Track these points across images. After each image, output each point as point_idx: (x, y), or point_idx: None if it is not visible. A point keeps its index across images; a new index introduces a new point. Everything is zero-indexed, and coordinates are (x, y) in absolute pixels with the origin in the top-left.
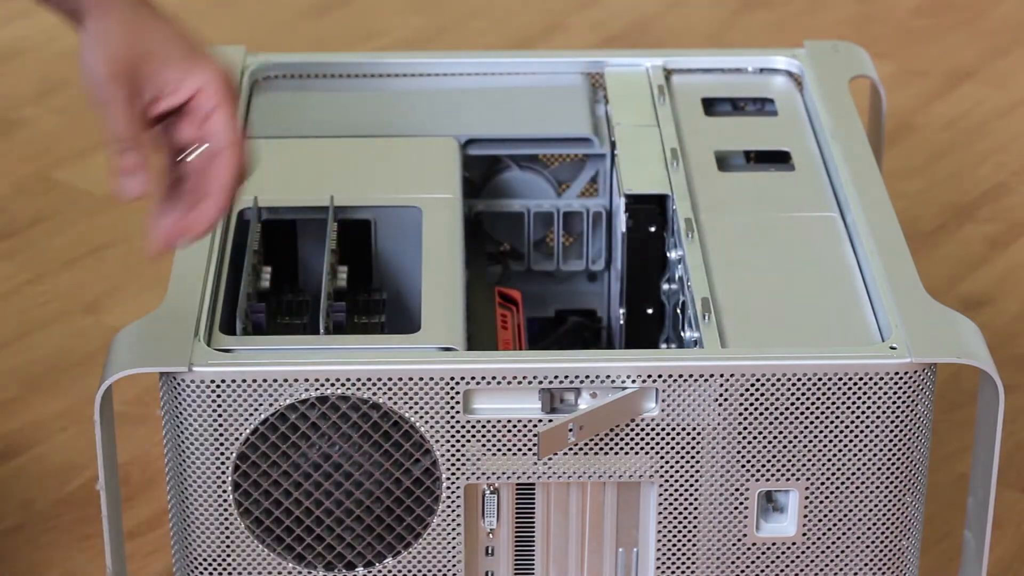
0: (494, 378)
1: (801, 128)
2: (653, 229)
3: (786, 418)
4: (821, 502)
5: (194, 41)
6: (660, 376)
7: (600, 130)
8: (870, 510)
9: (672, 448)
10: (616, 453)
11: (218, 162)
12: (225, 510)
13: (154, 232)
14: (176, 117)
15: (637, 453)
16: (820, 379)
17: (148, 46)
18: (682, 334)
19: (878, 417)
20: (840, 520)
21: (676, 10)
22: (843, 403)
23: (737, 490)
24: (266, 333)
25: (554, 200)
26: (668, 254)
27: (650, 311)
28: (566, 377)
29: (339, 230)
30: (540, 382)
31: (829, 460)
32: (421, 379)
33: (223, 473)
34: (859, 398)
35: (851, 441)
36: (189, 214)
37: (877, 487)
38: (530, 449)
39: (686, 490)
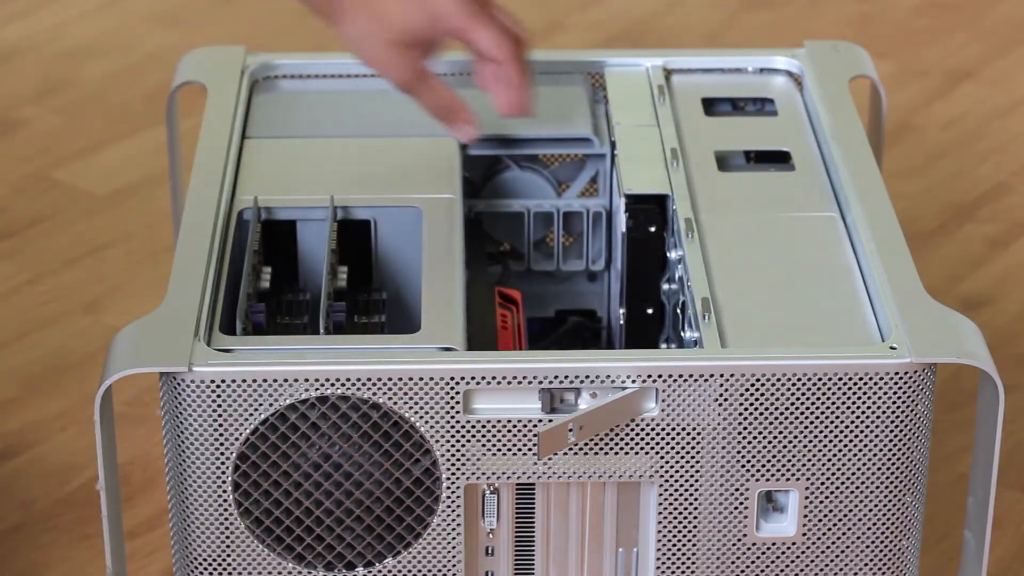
0: (494, 378)
1: (801, 128)
2: (653, 229)
3: (786, 418)
4: (821, 502)
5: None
6: (660, 376)
7: (600, 130)
8: (870, 510)
9: (672, 448)
10: (616, 453)
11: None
12: (225, 510)
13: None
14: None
15: (637, 453)
16: (820, 379)
17: (429, 13)
18: (682, 334)
19: (878, 417)
20: (840, 520)
21: (676, 10)
22: (843, 403)
23: (737, 490)
24: (266, 333)
25: (554, 200)
26: (668, 254)
27: (650, 311)
28: (566, 377)
29: (339, 230)
30: (540, 382)
31: (829, 460)
32: (421, 379)
33: (223, 473)
34: (859, 398)
35: (851, 441)
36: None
37: (877, 487)
38: (530, 449)
39: (686, 490)
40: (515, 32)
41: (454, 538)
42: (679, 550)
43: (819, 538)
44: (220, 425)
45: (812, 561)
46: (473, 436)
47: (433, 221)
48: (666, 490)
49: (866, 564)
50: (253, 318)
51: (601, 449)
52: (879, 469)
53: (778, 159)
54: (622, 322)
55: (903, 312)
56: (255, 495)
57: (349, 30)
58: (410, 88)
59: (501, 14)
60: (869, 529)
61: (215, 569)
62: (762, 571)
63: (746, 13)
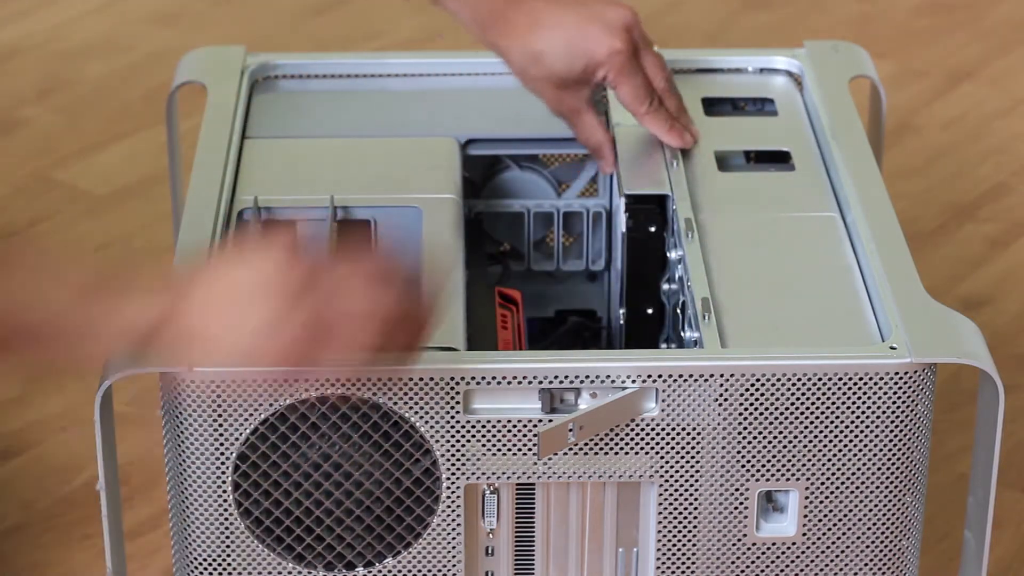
0: (494, 378)
1: (801, 128)
2: (653, 229)
3: (786, 418)
4: (821, 502)
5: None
6: (660, 376)
7: None
8: (870, 510)
9: (672, 448)
10: (616, 453)
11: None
12: (225, 510)
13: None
14: None
15: (637, 453)
16: (820, 379)
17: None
18: (682, 334)
19: (878, 417)
20: (840, 520)
21: (676, 10)
22: (843, 403)
23: (737, 490)
24: None
25: (554, 200)
26: (668, 254)
27: (650, 311)
28: (566, 377)
29: (339, 230)
30: (540, 382)
31: (829, 460)
32: (421, 379)
33: (223, 473)
34: (859, 398)
35: (851, 441)
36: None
37: (877, 487)
38: (530, 449)
39: (686, 490)
40: (658, 85)
41: (454, 538)
42: (679, 550)
43: (819, 538)
44: (220, 425)
45: (812, 561)
46: (473, 436)
47: (433, 221)
48: (666, 490)
49: (866, 564)
50: None
51: (601, 449)
52: (879, 469)
53: (778, 159)
54: (622, 322)
55: (903, 312)
56: (255, 495)
57: (512, 66)
58: (563, 118)
59: (651, 63)
60: (869, 529)
61: (215, 569)
62: (762, 571)
63: (746, 13)
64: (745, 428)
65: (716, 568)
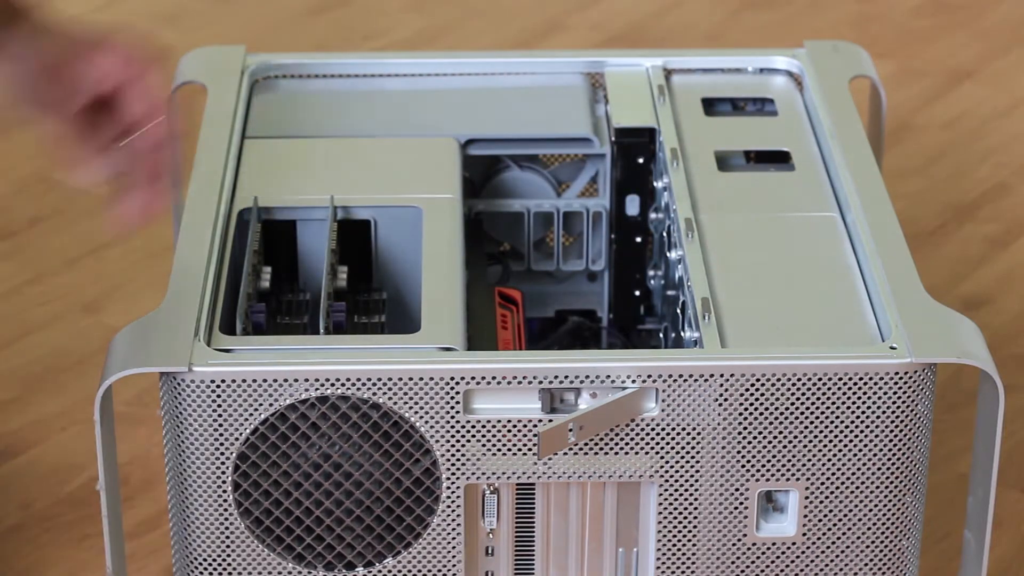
0: (494, 378)
1: (801, 128)
2: (641, 161)
3: (786, 418)
4: (821, 502)
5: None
6: (660, 376)
7: (600, 130)
8: (870, 510)
9: (672, 448)
10: (616, 453)
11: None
12: (225, 510)
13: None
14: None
15: (637, 453)
16: (820, 379)
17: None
18: (682, 334)
19: (878, 417)
20: (840, 520)
21: (676, 10)
22: (843, 403)
23: (737, 490)
24: (266, 333)
25: (554, 200)
26: (668, 253)
27: (639, 239)
28: (566, 377)
29: (339, 230)
30: (540, 382)
31: (829, 460)
32: (421, 379)
33: (223, 473)
34: (859, 398)
35: (851, 441)
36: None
37: (877, 487)
38: (530, 449)
39: (686, 490)
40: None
41: (454, 538)
42: (679, 550)
43: (819, 538)
44: (220, 425)
45: (812, 561)
46: (473, 436)
47: (433, 221)
48: (666, 490)
49: (866, 564)
50: (253, 318)
51: (601, 449)
52: (879, 469)
53: (778, 159)
54: (612, 248)
55: (903, 312)
56: (255, 495)
57: None
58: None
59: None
60: (869, 529)
61: (215, 569)
62: (762, 571)
63: (746, 13)
64: (745, 428)
65: (716, 568)
